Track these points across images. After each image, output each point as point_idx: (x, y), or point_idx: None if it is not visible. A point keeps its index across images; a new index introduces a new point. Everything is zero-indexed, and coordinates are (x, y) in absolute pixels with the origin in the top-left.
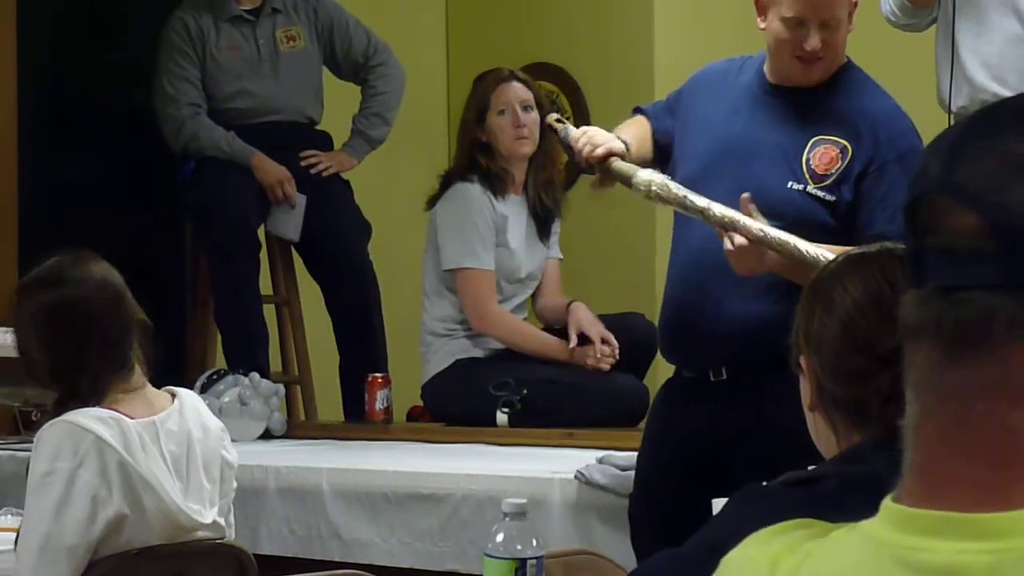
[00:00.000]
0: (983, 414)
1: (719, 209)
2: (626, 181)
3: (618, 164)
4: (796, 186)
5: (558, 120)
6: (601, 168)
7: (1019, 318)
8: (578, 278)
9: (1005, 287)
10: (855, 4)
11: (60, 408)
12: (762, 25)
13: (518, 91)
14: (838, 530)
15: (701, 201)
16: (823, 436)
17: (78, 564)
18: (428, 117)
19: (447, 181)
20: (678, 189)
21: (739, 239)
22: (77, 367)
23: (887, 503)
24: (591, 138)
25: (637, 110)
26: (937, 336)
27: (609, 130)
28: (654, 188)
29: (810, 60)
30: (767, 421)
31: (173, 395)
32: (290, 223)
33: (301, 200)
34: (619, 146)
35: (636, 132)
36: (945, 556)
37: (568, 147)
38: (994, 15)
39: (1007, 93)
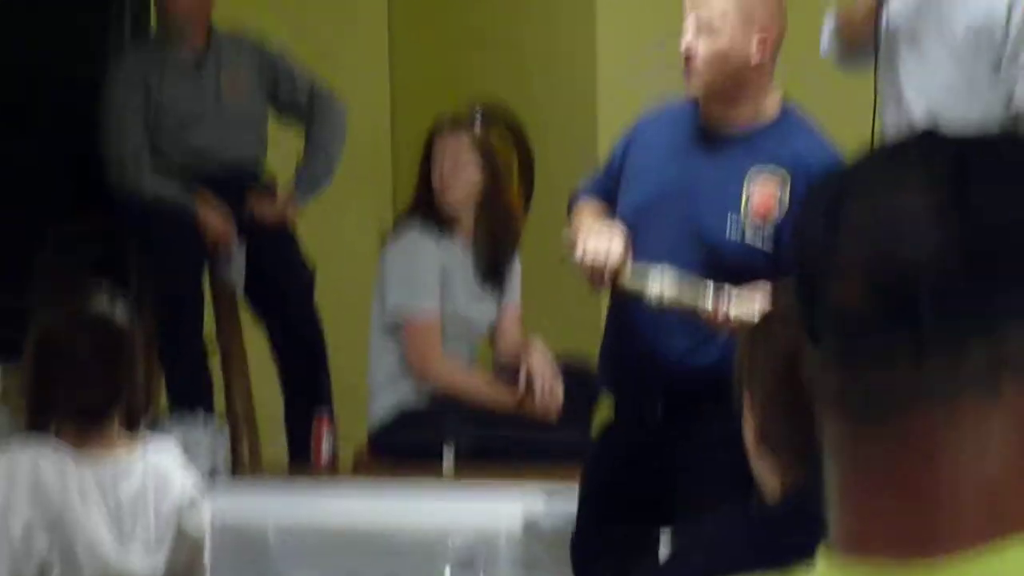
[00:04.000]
0: (899, 482)
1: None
2: (637, 296)
3: (628, 284)
4: (734, 234)
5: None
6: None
7: (917, 383)
8: (526, 317)
9: (898, 353)
10: (764, 40)
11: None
12: None
13: (452, 141)
14: None
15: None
16: (766, 475)
17: None
18: (371, 161)
19: (399, 223)
20: (689, 292)
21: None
22: (52, 403)
23: (822, 551)
24: (595, 265)
25: (586, 192)
26: (840, 406)
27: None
28: (667, 297)
29: (688, 63)
30: (704, 459)
31: (143, 445)
32: (232, 272)
33: (240, 249)
34: (618, 260)
35: (602, 216)
36: None
37: None
38: (937, 64)
39: None
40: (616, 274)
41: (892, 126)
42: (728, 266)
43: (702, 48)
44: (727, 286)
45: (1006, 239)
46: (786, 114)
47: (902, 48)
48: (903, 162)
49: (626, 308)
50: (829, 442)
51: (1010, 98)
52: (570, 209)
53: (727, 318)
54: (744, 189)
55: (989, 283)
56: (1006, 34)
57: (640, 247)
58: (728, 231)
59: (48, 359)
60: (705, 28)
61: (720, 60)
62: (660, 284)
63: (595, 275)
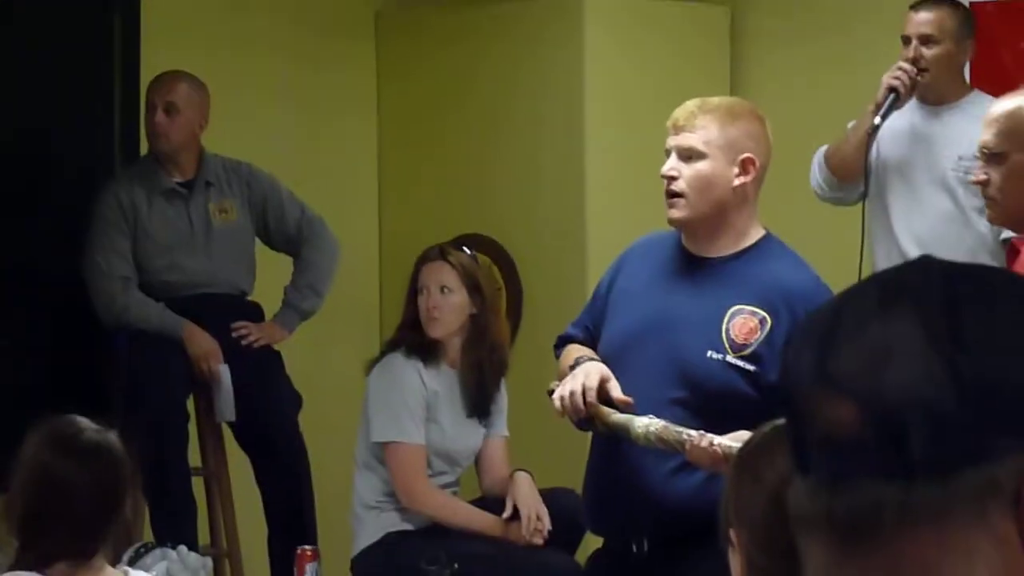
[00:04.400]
0: None
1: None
2: (624, 432)
3: (612, 419)
4: (715, 356)
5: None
6: (601, 425)
7: (906, 506)
8: (513, 448)
9: (889, 474)
10: (749, 160)
11: (17, 559)
12: None
13: (437, 271)
14: None
15: (695, 434)
16: None
17: None
18: (360, 289)
19: (385, 350)
20: (673, 429)
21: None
22: (46, 538)
23: None
24: (575, 405)
25: (564, 339)
26: (829, 529)
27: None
28: (653, 434)
29: (668, 194)
30: None
31: (126, 575)
32: (224, 405)
33: (226, 376)
34: (598, 373)
35: (589, 353)
36: None
37: None
38: (926, 192)
39: None
40: (595, 412)
41: (881, 259)
42: (711, 388)
43: (686, 173)
44: (709, 434)
45: (999, 373)
46: (768, 240)
47: (892, 180)
48: (895, 292)
49: (608, 445)
50: (814, 570)
51: (1002, 233)
52: (556, 351)
53: (711, 450)
54: (724, 323)
55: (981, 415)
56: None
57: (623, 374)
58: (709, 352)
59: (44, 492)
60: (688, 154)
61: (704, 185)
62: (644, 425)
63: (573, 415)
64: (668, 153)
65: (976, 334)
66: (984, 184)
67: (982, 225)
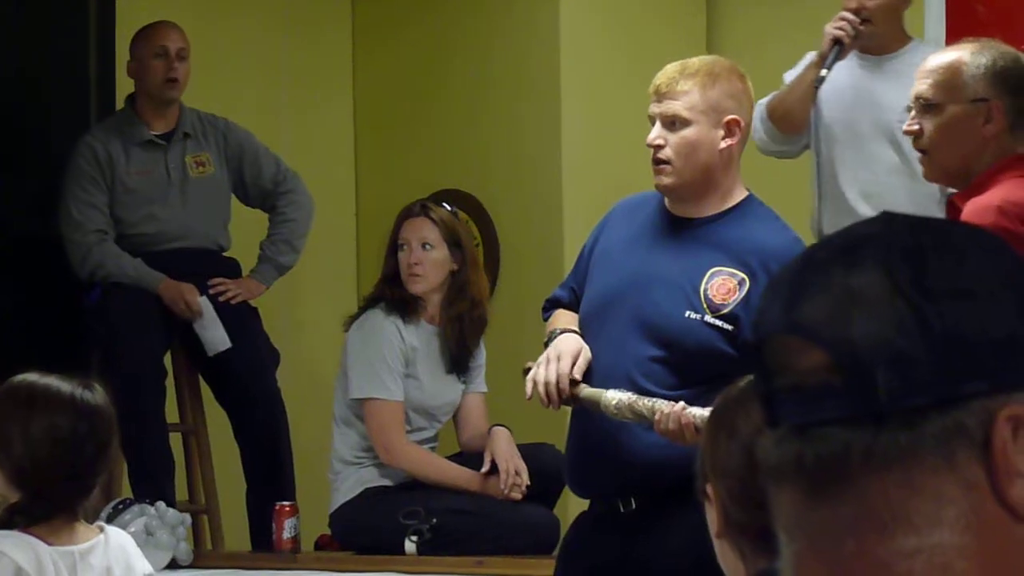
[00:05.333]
0: (855, 552)
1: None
2: (594, 407)
3: (584, 394)
4: (694, 315)
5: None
6: (572, 400)
7: (874, 449)
8: (490, 404)
9: (856, 420)
10: (734, 121)
11: (9, 517)
12: None
13: (419, 227)
14: None
15: (667, 404)
16: (731, 563)
17: None
18: (336, 243)
19: (364, 306)
20: (643, 401)
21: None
22: (50, 490)
23: None
24: (551, 397)
25: (552, 302)
26: (798, 475)
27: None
28: (623, 406)
29: (655, 161)
30: (676, 550)
31: (102, 530)
32: (215, 335)
33: (208, 307)
34: (571, 354)
35: (573, 323)
36: None
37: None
38: (873, 145)
39: None
40: (570, 394)
41: (828, 214)
42: (689, 347)
43: (672, 140)
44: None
45: (964, 320)
46: (750, 201)
47: (837, 134)
48: (859, 244)
49: (587, 409)
50: (784, 521)
51: None
52: (544, 314)
53: (683, 418)
54: (703, 284)
55: (947, 361)
56: None
57: (602, 333)
58: (687, 312)
59: (53, 448)
60: (672, 120)
61: (690, 151)
62: (614, 397)
63: (549, 401)
64: (652, 120)
65: (940, 282)
66: (917, 135)
67: None
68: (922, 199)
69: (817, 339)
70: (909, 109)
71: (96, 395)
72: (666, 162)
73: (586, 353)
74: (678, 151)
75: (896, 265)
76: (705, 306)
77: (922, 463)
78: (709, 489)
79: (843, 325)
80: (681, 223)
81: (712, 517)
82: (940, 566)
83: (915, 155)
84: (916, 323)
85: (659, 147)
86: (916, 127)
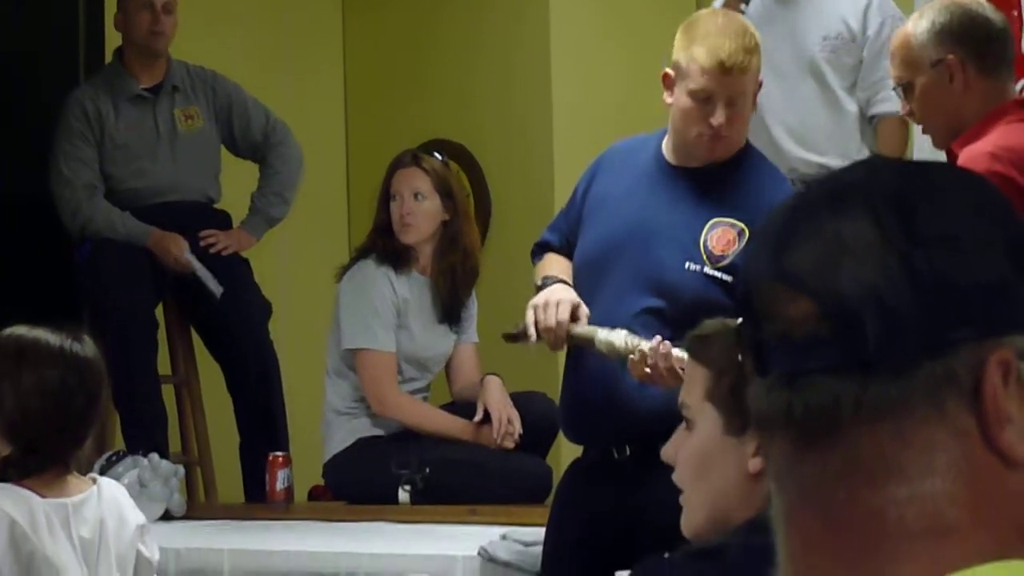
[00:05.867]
0: (846, 500)
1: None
2: (588, 345)
3: (577, 331)
4: (693, 267)
5: (514, 332)
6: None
7: (864, 399)
8: (482, 355)
9: (846, 369)
10: (760, 84)
11: (1, 470)
12: (669, 100)
13: (411, 178)
14: None
15: (653, 342)
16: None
17: None
18: (327, 194)
19: (355, 257)
20: (634, 340)
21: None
22: (42, 443)
23: None
24: (556, 339)
25: (542, 246)
26: (788, 425)
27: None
28: (616, 345)
29: (715, 136)
30: (670, 498)
31: (95, 482)
32: (210, 283)
33: (195, 262)
34: (569, 301)
35: (565, 271)
36: None
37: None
38: (794, 81)
39: (815, 158)
40: (569, 335)
41: (757, 145)
42: (688, 299)
43: (733, 121)
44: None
45: (952, 266)
46: (748, 150)
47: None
48: (845, 191)
49: (581, 356)
50: (775, 470)
51: (867, 105)
52: (533, 258)
53: (665, 356)
54: (703, 234)
55: (936, 308)
56: (863, 43)
57: (599, 283)
58: (687, 263)
59: (45, 400)
60: (737, 98)
61: (744, 125)
62: (605, 335)
63: (553, 347)
64: (710, 97)
65: (928, 228)
66: (911, 116)
67: (853, 106)
68: (843, 133)
69: (805, 288)
70: (825, 39)
71: (85, 346)
72: (726, 140)
73: (583, 308)
74: (737, 128)
75: (883, 212)
76: (705, 257)
77: (912, 412)
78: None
79: (831, 274)
80: (679, 172)
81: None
82: (931, 514)
83: (838, 84)
84: (904, 271)
85: (723, 132)
86: (908, 108)
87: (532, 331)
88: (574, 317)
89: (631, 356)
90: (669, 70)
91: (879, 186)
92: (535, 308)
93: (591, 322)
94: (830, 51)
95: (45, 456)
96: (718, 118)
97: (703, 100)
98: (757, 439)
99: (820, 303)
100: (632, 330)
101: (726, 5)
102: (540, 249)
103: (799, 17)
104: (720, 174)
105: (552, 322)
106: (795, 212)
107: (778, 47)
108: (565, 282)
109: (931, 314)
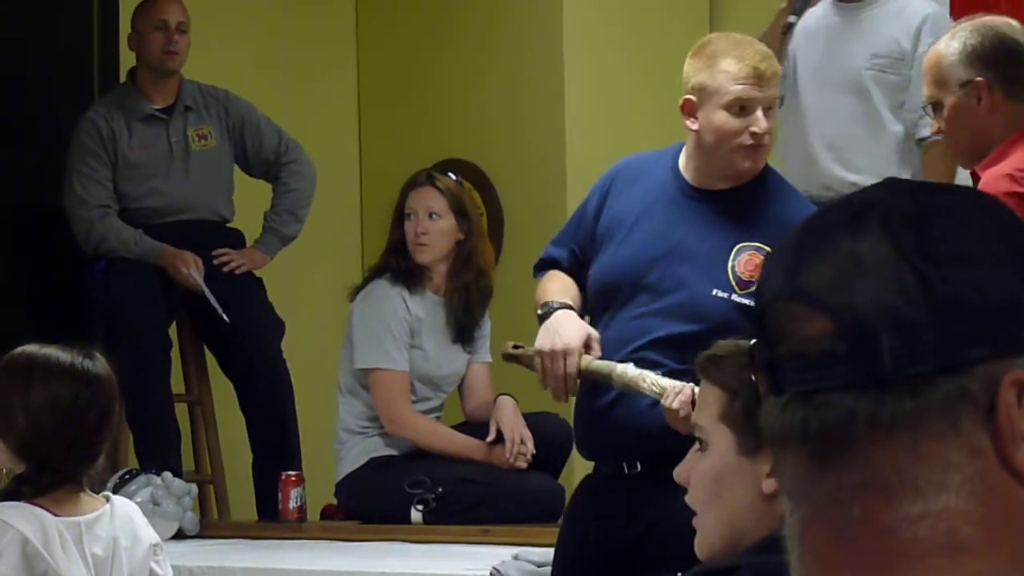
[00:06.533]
0: (860, 517)
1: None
2: (604, 380)
3: (593, 367)
4: (721, 294)
5: (514, 348)
6: (580, 373)
7: (879, 416)
8: (495, 374)
9: (861, 386)
10: (780, 99)
11: (15, 488)
12: (694, 126)
13: (425, 197)
14: None
15: (670, 383)
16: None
17: None
18: (340, 213)
19: (369, 276)
20: (652, 377)
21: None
22: (54, 460)
23: None
24: (554, 365)
25: (547, 262)
26: (803, 442)
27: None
28: (632, 381)
29: (756, 145)
30: (682, 511)
31: (108, 500)
32: (215, 306)
33: (204, 286)
34: (578, 348)
35: (569, 291)
36: None
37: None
38: (837, 95)
39: (850, 176)
40: (584, 370)
41: (792, 166)
42: (716, 325)
43: (768, 126)
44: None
45: (968, 284)
46: (768, 172)
47: (806, 83)
48: (862, 209)
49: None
50: (789, 487)
51: (913, 132)
52: (536, 273)
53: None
54: (730, 260)
55: (952, 325)
56: (912, 62)
57: (621, 307)
58: (715, 291)
59: (57, 417)
60: (767, 112)
61: (773, 134)
62: (622, 372)
63: (556, 394)
64: (746, 106)
65: (944, 246)
66: (940, 134)
67: (897, 127)
68: (883, 152)
69: (820, 306)
70: (875, 56)
71: (96, 363)
72: (764, 147)
73: (593, 336)
74: (771, 137)
75: (899, 231)
76: (733, 283)
77: (927, 429)
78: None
79: (846, 292)
80: (702, 195)
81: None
82: (945, 531)
83: (884, 103)
84: (920, 289)
85: (764, 140)
86: (937, 127)
87: (541, 380)
88: (587, 347)
89: (664, 403)
90: (690, 96)
91: (895, 205)
92: (542, 356)
93: (609, 343)
94: (878, 69)
95: (57, 473)
96: (762, 124)
97: (739, 111)
98: (771, 458)
99: (836, 321)
100: (650, 358)
101: (775, 20)
102: (545, 266)
103: (850, 32)
104: (743, 197)
105: (560, 373)
106: (810, 231)
107: (826, 60)
108: (569, 307)
109: (946, 333)
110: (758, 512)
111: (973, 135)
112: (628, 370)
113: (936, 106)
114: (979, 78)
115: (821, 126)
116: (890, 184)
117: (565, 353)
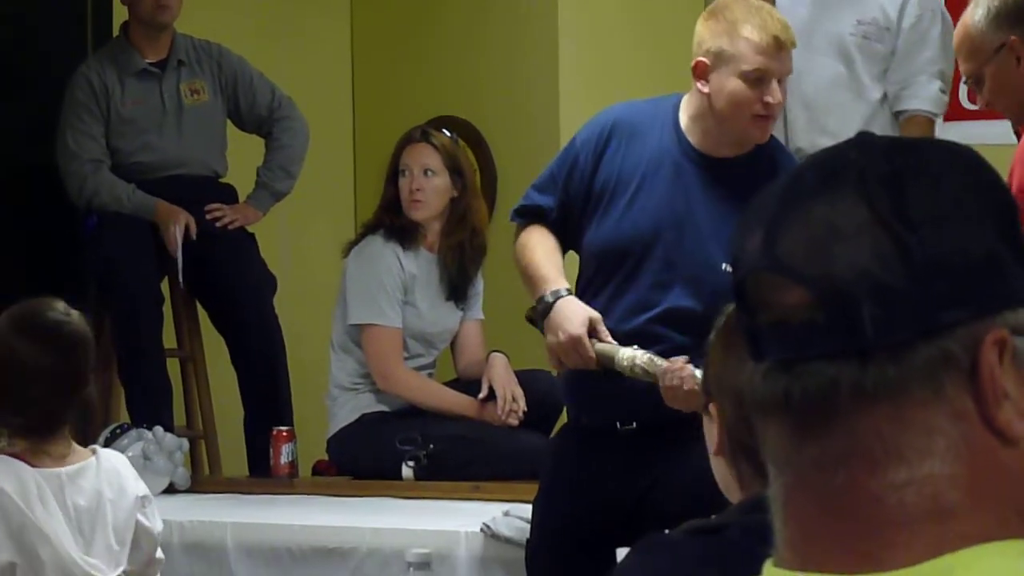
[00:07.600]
0: (845, 485)
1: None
2: (608, 363)
3: (599, 348)
4: (730, 268)
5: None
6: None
7: (861, 384)
8: (487, 332)
9: (843, 354)
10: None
11: None
12: (704, 89)
13: (420, 153)
14: None
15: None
16: (726, 482)
17: None
18: (333, 169)
19: (363, 233)
20: (658, 360)
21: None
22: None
23: (768, 568)
24: (568, 360)
25: (531, 210)
26: (786, 411)
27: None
28: (636, 365)
29: (767, 117)
30: (675, 469)
31: (94, 452)
32: (178, 266)
33: (179, 251)
34: (584, 330)
35: (556, 262)
36: None
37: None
38: (821, 57)
39: (824, 140)
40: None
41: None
42: (722, 301)
43: (781, 95)
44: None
45: (945, 246)
46: (772, 141)
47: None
48: (836, 171)
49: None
50: (773, 454)
51: (895, 98)
52: (518, 219)
53: (686, 377)
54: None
55: (930, 289)
56: (897, 32)
57: (625, 277)
58: (724, 264)
59: (3, 371)
60: (781, 82)
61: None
62: (629, 356)
63: (575, 360)
64: (763, 77)
65: (920, 208)
66: (990, 106)
67: (875, 95)
68: (856, 119)
69: (799, 277)
70: (859, 22)
71: (73, 318)
72: (773, 117)
73: (596, 319)
74: (782, 108)
75: (874, 194)
76: None
77: (911, 396)
78: (712, 407)
79: (824, 260)
80: (710, 162)
81: (711, 434)
82: (931, 496)
83: (866, 70)
84: (897, 254)
85: (777, 111)
86: (983, 101)
87: (556, 364)
88: (593, 332)
89: (664, 382)
90: (703, 59)
91: (869, 166)
92: (558, 353)
93: (611, 312)
94: (862, 36)
95: (34, 420)
96: (776, 95)
97: (755, 80)
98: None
99: (814, 290)
100: (655, 331)
101: None
102: (528, 212)
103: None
104: (750, 167)
105: (580, 366)
106: (785, 195)
107: (813, 22)
108: (566, 291)
109: (925, 296)
110: None
111: (1019, 95)
112: (631, 353)
113: (978, 80)
114: (1012, 38)
115: (801, 86)
116: (863, 142)
117: (577, 343)
